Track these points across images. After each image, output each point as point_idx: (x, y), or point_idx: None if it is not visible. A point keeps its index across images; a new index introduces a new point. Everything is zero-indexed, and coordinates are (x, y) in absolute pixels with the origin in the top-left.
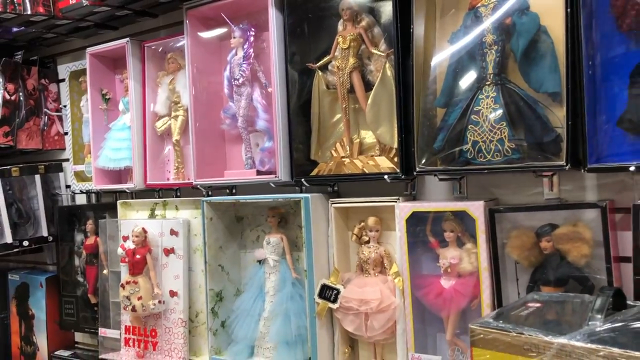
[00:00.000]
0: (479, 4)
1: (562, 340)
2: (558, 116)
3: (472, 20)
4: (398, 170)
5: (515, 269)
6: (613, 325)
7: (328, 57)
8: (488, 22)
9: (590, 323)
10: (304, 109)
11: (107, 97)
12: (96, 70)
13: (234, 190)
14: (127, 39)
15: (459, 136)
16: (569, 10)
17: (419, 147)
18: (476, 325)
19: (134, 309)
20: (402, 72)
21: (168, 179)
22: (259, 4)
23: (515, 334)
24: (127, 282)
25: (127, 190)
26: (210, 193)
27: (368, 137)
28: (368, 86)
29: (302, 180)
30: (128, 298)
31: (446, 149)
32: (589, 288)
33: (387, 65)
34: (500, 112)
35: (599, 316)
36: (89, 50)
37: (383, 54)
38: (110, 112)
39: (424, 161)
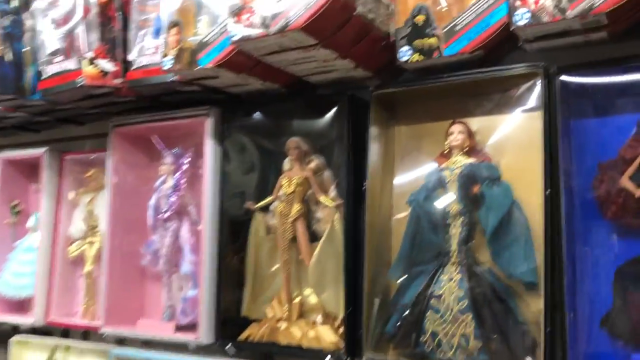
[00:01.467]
0: (444, 166)
1: None
2: (533, 310)
3: (434, 184)
4: (342, 348)
5: None
6: None
7: (270, 198)
8: (453, 190)
9: None
10: (238, 254)
11: (17, 210)
12: (8, 179)
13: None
14: (45, 148)
15: (415, 322)
16: (548, 192)
17: (369, 326)
18: None
19: None
20: (353, 229)
21: (77, 314)
22: (196, 128)
23: None
24: None
25: (22, 327)
26: (124, 341)
27: (312, 296)
28: (314, 236)
29: (229, 346)
30: None
31: (399, 335)
32: None
33: (337, 217)
34: (465, 301)
35: None
36: (1, 155)
37: (332, 205)
38: (19, 226)
39: (374, 345)
